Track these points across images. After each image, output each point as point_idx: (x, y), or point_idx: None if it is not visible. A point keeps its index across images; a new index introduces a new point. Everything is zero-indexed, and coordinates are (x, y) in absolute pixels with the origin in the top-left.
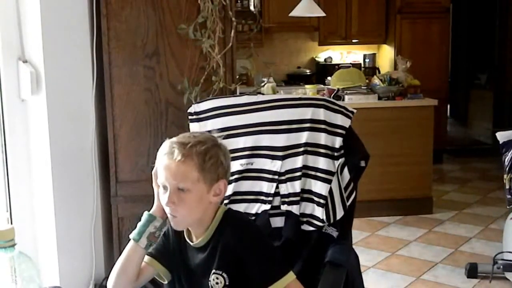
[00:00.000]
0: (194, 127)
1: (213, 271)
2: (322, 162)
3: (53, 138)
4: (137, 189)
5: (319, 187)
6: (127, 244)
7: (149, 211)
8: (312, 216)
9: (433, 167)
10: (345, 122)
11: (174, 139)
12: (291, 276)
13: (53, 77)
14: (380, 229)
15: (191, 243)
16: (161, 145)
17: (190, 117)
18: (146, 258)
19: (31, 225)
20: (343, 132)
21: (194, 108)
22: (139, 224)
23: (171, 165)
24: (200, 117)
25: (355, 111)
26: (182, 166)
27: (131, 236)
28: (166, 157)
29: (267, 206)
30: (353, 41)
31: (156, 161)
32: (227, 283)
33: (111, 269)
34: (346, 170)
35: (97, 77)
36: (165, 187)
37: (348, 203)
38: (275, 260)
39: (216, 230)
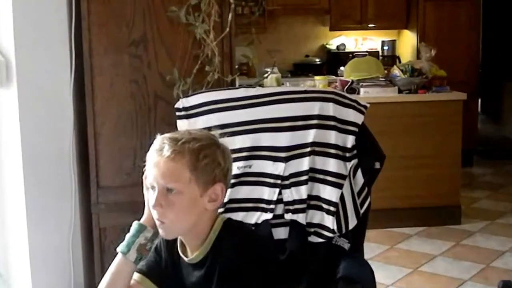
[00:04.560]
0: (183, 124)
1: None
2: (332, 164)
3: (25, 138)
4: (122, 195)
5: (329, 193)
6: (110, 258)
7: (139, 220)
8: (321, 226)
9: (462, 170)
10: (357, 118)
11: (167, 134)
12: None
13: (26, 67)
14: (400, 241)
15: (185, 259)
16: (149, 145)
17: (177, 113)
18: (136, 275)
19: (1, 237)
20: (356, 129)
21: (183, 102)
22: (128, 235)
23: (160, 162)
24: (189, 113)
25: (368, 105)
26: (171, 164)
27: (119, 249)
28: (156, 154)
29: (268, 215)
30: (370, 25)
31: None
32: None
33: (96, 287)
34: (359, 173)
35: (76, 67)
36: (153, 188)
37: (361, 211)
38: (280, 277)
39: (214, 243)
